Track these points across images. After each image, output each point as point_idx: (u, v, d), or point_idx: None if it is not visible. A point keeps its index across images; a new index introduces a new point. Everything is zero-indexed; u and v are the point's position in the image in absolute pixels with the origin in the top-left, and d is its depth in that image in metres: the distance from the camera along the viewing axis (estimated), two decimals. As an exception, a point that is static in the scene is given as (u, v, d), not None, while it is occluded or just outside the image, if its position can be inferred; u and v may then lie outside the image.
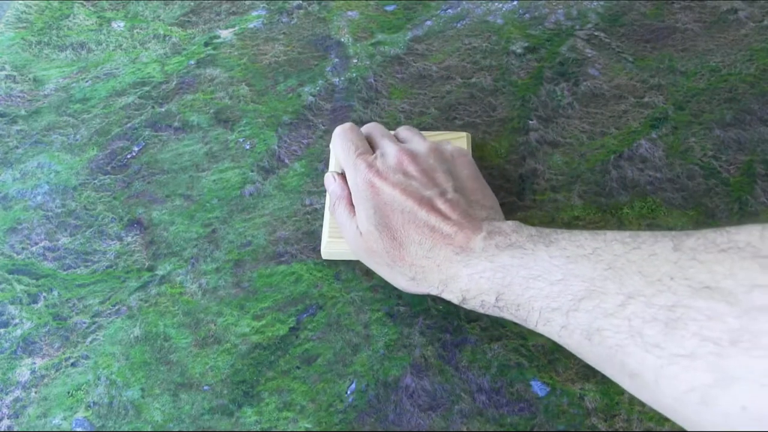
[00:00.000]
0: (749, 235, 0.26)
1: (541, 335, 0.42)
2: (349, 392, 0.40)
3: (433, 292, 0.39)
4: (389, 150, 0.43)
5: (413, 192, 0.39)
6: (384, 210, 0.39)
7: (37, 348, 0.42)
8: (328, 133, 0.52)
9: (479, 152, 0.51)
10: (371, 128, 0.46)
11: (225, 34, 0.60)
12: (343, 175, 0.45)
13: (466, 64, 0.57)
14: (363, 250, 0.41)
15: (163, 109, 0.55)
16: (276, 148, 0.52)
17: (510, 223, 0.38)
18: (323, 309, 0.44)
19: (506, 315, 0.36)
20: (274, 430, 0.39)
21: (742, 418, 0.23)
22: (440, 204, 0.39)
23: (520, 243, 0.35)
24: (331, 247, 0.44)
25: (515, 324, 0.43)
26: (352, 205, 0.43)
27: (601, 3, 0.62)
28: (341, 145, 0.44)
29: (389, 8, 0.62)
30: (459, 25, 0.60)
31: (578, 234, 0.34)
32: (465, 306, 0.37)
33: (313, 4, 0.63)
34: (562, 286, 0.32)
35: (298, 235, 0.47)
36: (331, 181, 0.45)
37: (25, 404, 0.40)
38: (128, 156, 0.52)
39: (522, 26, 0.60)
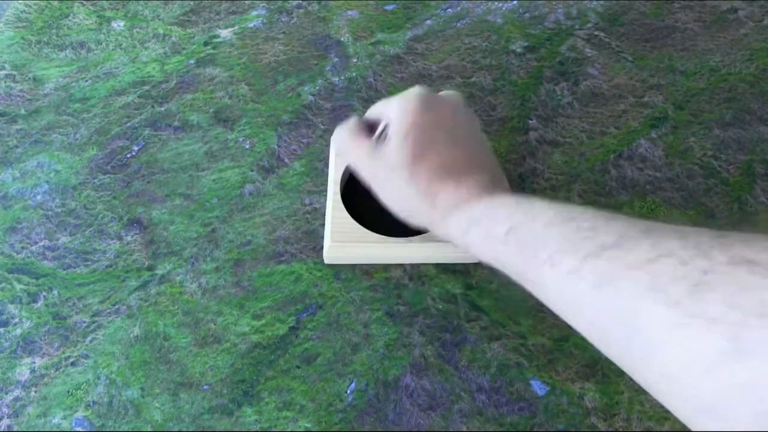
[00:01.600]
0: None
1: (541, 334, 0.42)
2: (348, 392, 0.40)
3: (435, 218, 0.38)
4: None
5: (462, 117, 0.41)
6: (433, 137, 0.39)
7: (37, 347, 0.42)
8: (328, 132, 0.52)
9: (479, 152, 0.51)
10: None
11: (225, 33, 0.60)
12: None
13: (466, 63, 0.57)
14: (377, 165, 0.40)
15: (162, 109, 0.55)
16: (276, 147, 0.52)
17: None
18: (323, 308, 0.44)
19: (507, 252, 0.33)
20: (273, 429, 0.39)
21: (743, 394, 0.22)
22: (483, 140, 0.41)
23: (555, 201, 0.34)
24: (334, 252, 0.44)
25: (515, 323, 0.43)
26: (363, 135, 0.42)
27: (601, 2, 0.62)
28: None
29: (389, 7, 0.62)
30: (459, 24, 0.60)
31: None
32: (462, 238, 0.36)
33: (312, 3, 0.63)
34: (590, 233, 0.30)
35: (297, 235, 0.47)
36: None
37: (25, 403, 0.40)
38: (128, 155, 0.52)
39: (522, 25, 0.60)
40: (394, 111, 0.41)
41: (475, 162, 0.39)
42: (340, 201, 0.46)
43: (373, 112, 0.44)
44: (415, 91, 0.41)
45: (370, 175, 0.41)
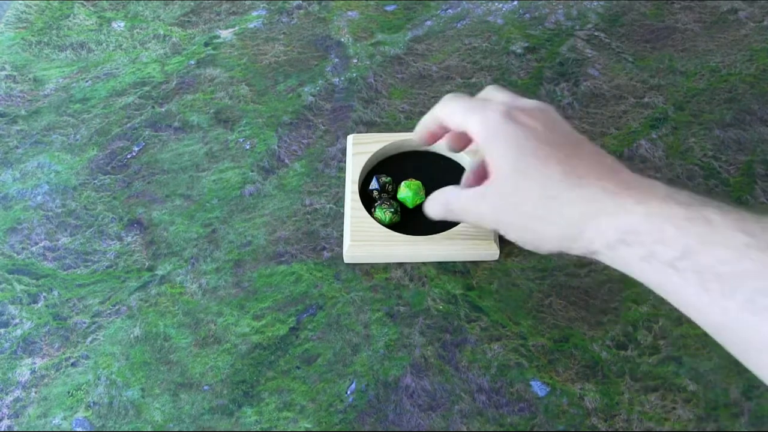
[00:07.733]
0: None
1: (541, 335, 0.42)
2: (349, 392, 0.40)
3: (591, 241, 0.32)
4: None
5: (562, 125, 0.35)
6: (530, 145, 0.34)
7: (37, 348, 0.42)
8: (328, 133, 0.52)
9: (479, 152, 0.51)
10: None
11: (225, 34, 0.60)
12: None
13: (466, 64, 0.57)
14: (501, 209, 0.35)
15: (163, 109, 0.55)
16: (276, 148, 0.52)
17: None
18: (323, 309, 0.44)
19: (682, 284, 0.28)
20: (274, 430, 0.39)
21: None
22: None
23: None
24: (354, 251, 0.44)
25: (515, 324, 0.43)
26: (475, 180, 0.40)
27: (601, 3, 0.62)
28: (455, 98, 0.39)
29: (389, 8, 0.62)
30: (459, 25, 0.60)
31: None
32: (603, 258, 0.32)
33: (313, 4, 0.63)
34: None
35: (298, 235, 0.47)
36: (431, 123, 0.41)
37: (26, 404, 0.40)
38: (128, 156, 0.52)
39: (522, 26, 0.60)
40: (484, 132, 0.36)
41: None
42: (359, 200, 0.46)
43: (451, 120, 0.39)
44: (498, 107, 0.36)
45: (502, 217, 0.35)
